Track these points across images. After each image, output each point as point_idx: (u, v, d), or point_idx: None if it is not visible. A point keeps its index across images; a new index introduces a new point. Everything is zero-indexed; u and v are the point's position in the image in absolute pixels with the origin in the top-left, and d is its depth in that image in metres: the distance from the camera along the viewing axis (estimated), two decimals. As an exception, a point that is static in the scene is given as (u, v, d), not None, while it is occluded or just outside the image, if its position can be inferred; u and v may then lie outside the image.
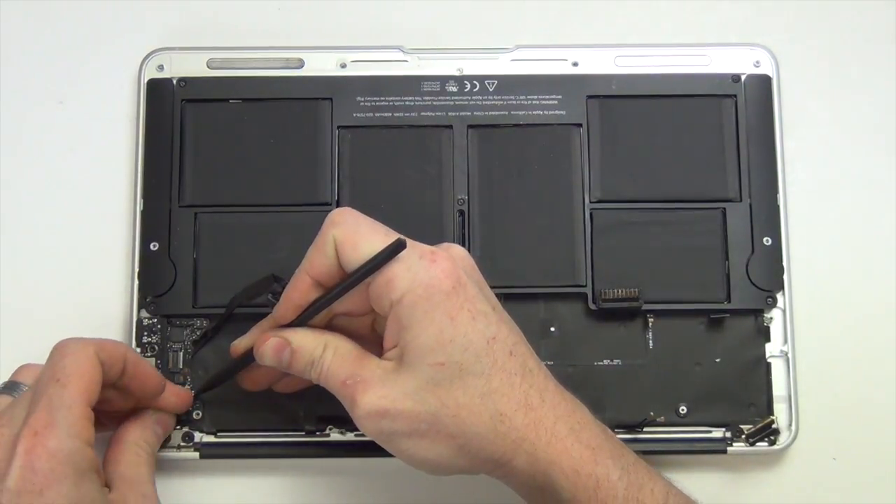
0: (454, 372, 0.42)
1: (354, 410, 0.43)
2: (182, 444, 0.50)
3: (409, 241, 0.43)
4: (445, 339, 0.42)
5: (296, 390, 0.49)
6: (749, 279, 0.52)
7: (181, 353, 0.51)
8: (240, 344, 0.48)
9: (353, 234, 0.43)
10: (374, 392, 0.42)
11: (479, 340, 0.42)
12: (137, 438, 0.47)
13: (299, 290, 0.44)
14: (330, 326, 0.46)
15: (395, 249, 0.42)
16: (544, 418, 0.43)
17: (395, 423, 0.42)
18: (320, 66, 0.54)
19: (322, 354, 0.44)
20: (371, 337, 0.46)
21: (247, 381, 0.49)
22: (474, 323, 0.42)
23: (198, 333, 0.51)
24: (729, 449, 0.51)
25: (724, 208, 0.52)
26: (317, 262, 0.44)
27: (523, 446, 0.42)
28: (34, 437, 0.40)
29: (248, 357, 0.46)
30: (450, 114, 0.53)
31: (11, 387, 0.45)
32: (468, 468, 0.43)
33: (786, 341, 0.52)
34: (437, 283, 0.42)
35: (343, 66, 0.54)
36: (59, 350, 0.43)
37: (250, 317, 0.48)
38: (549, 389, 0.44)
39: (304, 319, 0.45)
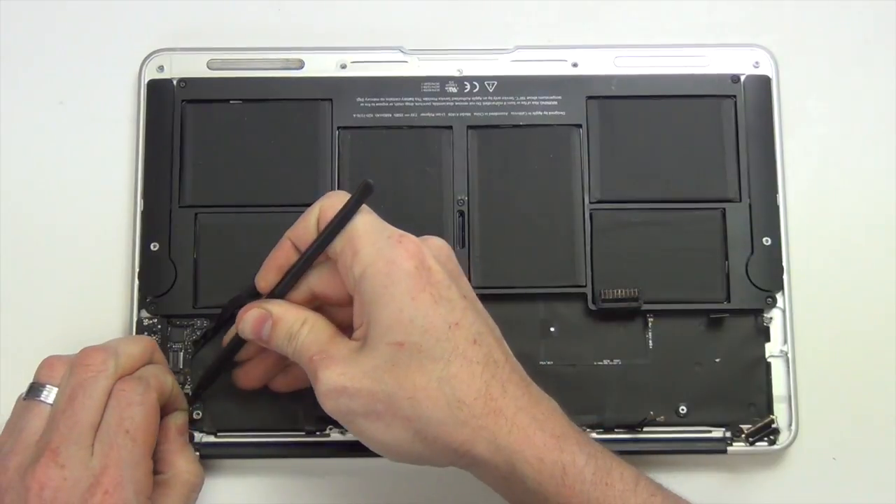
0: (412, 353, 0.42)
1: (317, 386, 0.43)
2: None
3: (383, 223, 0.44)
4: (405, 317, 0.42)
5: (293, 389, 0.49)
6: (749, 279, 0.52)
7: (181, 354, 0.51)
8: (229, 334, 0.48)
9: (338, 204, 0.44)
10: (336, 369, 0.43)
11: (441, 324, 0.42)
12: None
13: (281, 251, 0.46)
14: None
15: (363, 192, 0.43)
16: (504, 408, 0.42)
17: (353, 402, 0.42)
18: (320, 66, 0.54)
19: (300, 329, 0.44)
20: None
21: (241, 379, 0.49)
22: (436, 306, 0.42)
23: (198, 333, 0.51)
24: (729, 449, 0.50)
25: (724, 208, 0.52)
26: (299, 227, 0.45)
27: (483, 434, 0.42)
28: (105, 496, 0.41)
29: (237, 341, 0.46)
30: (450, 114, 0.53)
31: (37, 390, 0.44)
32: (429, 456, 0.43)
33: (786, 341, 0.52)
34: (399, 260, 0.42)
35: (343, 66, 0.54)
36: (127, 394, 0.43)
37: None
38: (513, 382, 0.43)
39: (284, 287, 0.45)
